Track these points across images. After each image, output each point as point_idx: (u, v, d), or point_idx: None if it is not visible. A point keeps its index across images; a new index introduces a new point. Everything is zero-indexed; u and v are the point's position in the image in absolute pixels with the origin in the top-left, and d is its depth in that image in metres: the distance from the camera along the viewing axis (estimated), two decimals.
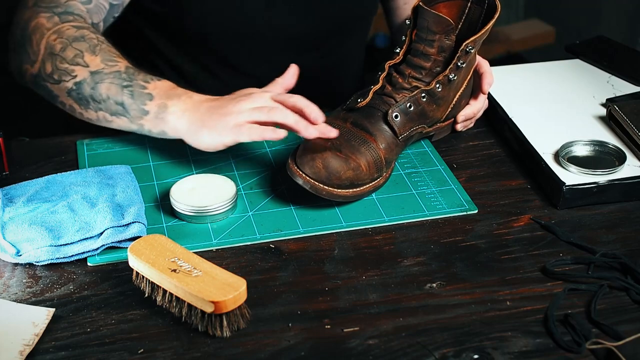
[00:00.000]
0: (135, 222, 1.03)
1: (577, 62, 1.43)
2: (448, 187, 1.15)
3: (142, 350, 0.90)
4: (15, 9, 1.23)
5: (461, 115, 1.24)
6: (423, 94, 1.15)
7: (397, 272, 1.01)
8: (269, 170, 1.18)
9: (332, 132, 1.07)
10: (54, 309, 0.94)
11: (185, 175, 1.15)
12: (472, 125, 1.28)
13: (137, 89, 1.11)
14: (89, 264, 1.01)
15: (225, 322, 0.90)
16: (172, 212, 1.09)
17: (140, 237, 1.00)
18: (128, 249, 0.95)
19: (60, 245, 1.01)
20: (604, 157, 1.16)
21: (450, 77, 1.15)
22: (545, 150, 1.17)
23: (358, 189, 1.10)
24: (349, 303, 0.96)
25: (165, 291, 0.93)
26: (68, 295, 0.97)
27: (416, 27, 1.15)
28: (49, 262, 1.01)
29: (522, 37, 2.82)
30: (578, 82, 1.36)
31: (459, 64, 1.15)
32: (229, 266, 1.01)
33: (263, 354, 0.89)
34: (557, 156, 1.15)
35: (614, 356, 0.87)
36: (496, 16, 1.15)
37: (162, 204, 1.11)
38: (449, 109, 1.21)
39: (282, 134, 1.05)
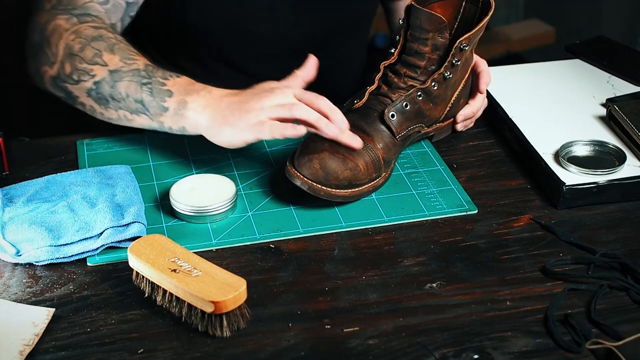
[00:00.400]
0: (135, 222, 1.03)
1: (577, 62, 1.43)
2: (448, 187, 1.15)
3: (142, 350, 0.90)
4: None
5: (460, 115, 1.24)
6: (419, 93, 1.15)
7: (397, 272, 1.01)
8: (269, 170, 1.18)
9: (355, 143, 1.06)
10: (54, 309, 0.94)
11: (185, 175, 1.15)
12: (472, 124, 1.28)
13: (156, 86, 1.10)
14: (88, 264, 1.01)
15: (225, 322, 0.90)
16: (172, 212, 1.09)
17: (140, 237, 1.00)
18: (128, 249, 0.95)
19: (60, 245, 1.01)
20: (604, 157, 1.16)
21: (446, 75, 1.15)
22: (545, 150, 1.17)
23: (357, 189, 1.10)
24: (349, 303, 0.96)
25: (165, 291, 0.93)
26: (68, 295, 0.97)
27: (409, 27, 1.15)
28: (49, 262, 1.01)
29: (522, 37, 2.82)
30: (578, 82, 1.36)
31: (454, 61, 1.15)
32: (229, 266, 1.00)
33: (263, 354, 0.89)
34: (557, 156, 1.15)
35: (614, 356, 0.87)
36: (490, 13, 1.16)
37: (162, 204, 1.11)
38: (447, 109, 1.21)
39: (302, 130, 1.03)
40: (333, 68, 1.47)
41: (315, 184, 1.07)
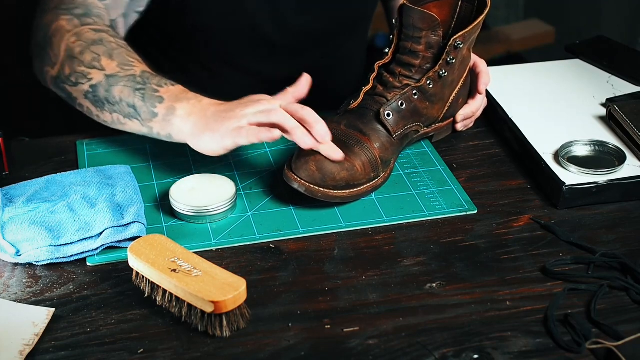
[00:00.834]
0: (134, 222, 1.03)
1: (577, 62, 1.43)
2: (448, 188, 1.15)
3: (142, 350, 0.90)
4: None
5: (460, 115, 1.24)
6: (414, 91, 1.15)
7: (397, 272, 1.01)
8: (269, 170, 1.18)
9: (335, 155, 1.06)
10: (54, 309, 0.94)
11: (185, 175, 1.15)
12: (472, 124, 1.28)
13: (148, 92, 1.11)
14: (88, 264, 1.01)
15: (225, 322, 0.90)
16: (171, 212, 1.09)
17: (140, 237, 1.00)
18: (128, 249, 0.95)
19: (60, 245, 1.01)
20: (604, 157, 1.16)
21: (441, 73, 1.15)
22: (545, 150, 1.17)
23: (355, 190, 1.10)
24: (349, 303, 0.96)
25: (165, 291, 0.93)
26: (68, 295, 0.97)
27: (402, 26, 1.15)
28: (49, 262, 1.01)
29: (522, 37, 2.82)
30: (578, 82, 1.36)
31: (449, 59, 1.15)
32: (229, 266, 1.01)
33: (263, 354, 0.89)
34: (557, 156, 1.15)
35: (614, 356, 0.87)
36: (486, 12, 1.16)
37: (162, 204, 1.11)
38: (446, 108, 1.21)
39: (277, 133, 1.03)
40: (333, 68, 1.47)
41: (312, 186, 1.07)
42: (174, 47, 1.40)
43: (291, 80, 1.14)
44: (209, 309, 0.89)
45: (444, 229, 1.08)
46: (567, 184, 1.10)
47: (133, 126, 1.14)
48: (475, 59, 1.24)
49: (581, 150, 1.17)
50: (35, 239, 1.01)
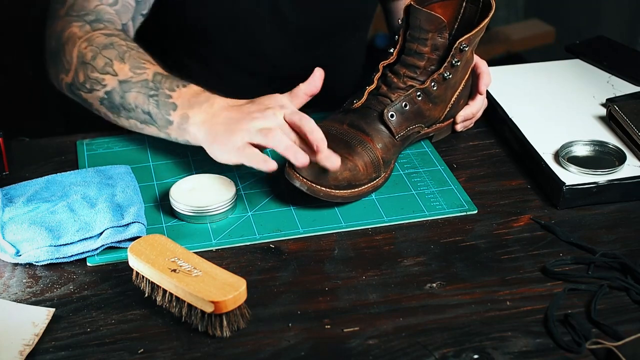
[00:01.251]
0: (135, 222, 1.03)
1: (577, 62, 1.43)
2: (448, 188, 1.15)
3: (142, 350, 0.90)
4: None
5: (460, 116, 1.24)
6: (418, 93, 1.15)
7: (397, 272, 1.01)
8: None
9: (332, 163, 1.05)
10: (54, 309, 0.94)
11: (185, 175, 1.15)
12: (471, 125, 1.28)
13: (162, 99, 1.11)
14: (88, 264, 1.01)
15: (225, 322, 0.90)
16: (171, 212, 1.09)
17: (140, 237, 1.00)
18: (128, 249, 0.95)
19: (60, 245, 1.01)
20: (604, 157, 1.16)
21: (445, 75, 1.15)
22: (545, 150, 1.17)
23: (356, 190, 1.10)
24: (349, 303, 0.96)
25: (165, 291, 0.93)
26: (68, 295, 0.97)
27: (409, 27, 1.15)
28: (49, 262, 1.01)
29: (522, 37, 2.82)
30: (578, 82, 1.36)
31: (454, 62, 1.15)
32: (229, 266, 1.01)
33: (263, 354, 0.89)
34: (557, 156, 1.15)
35: (614, 356, 0.87)
36: (490, 14, 1.16)
37: (162, 204, 1.11)
38: (447, 109, 1.21)
39: (272, 166, 1.03)
40: (332, 67, 1.46)
41: (314, 185, 1.07)
42: (175, 47, 1.40)
43: (290, 78, 1.14)
44: (209, 309, 0.89)
45: (444, 229, 1.08)
46: (567, 184, 1.10)
47: (151, 131, 1.15)
48: (476, 59, 1.24)
49: (581, 150, 1.17)
50: (35, 239, 1.01)
